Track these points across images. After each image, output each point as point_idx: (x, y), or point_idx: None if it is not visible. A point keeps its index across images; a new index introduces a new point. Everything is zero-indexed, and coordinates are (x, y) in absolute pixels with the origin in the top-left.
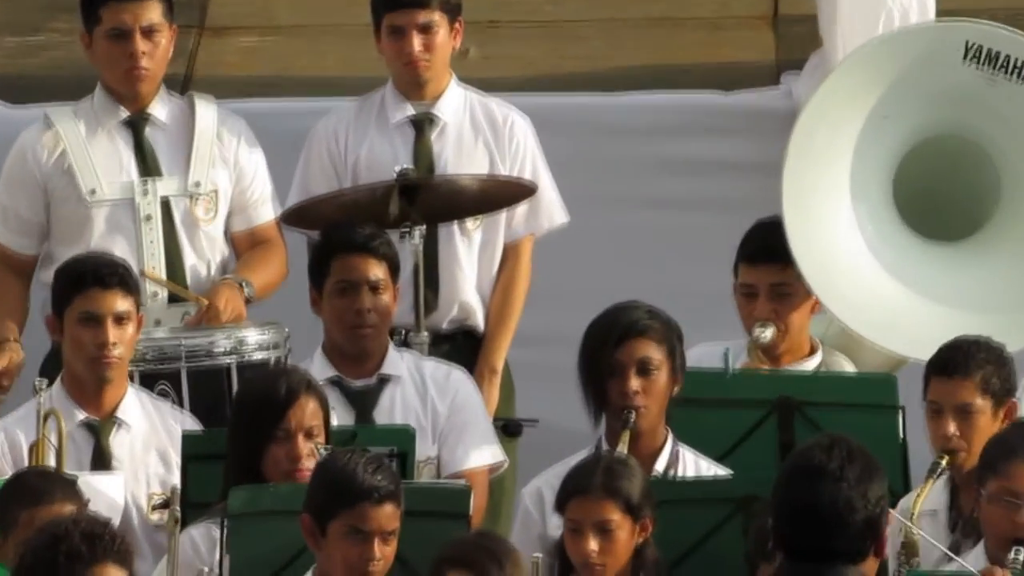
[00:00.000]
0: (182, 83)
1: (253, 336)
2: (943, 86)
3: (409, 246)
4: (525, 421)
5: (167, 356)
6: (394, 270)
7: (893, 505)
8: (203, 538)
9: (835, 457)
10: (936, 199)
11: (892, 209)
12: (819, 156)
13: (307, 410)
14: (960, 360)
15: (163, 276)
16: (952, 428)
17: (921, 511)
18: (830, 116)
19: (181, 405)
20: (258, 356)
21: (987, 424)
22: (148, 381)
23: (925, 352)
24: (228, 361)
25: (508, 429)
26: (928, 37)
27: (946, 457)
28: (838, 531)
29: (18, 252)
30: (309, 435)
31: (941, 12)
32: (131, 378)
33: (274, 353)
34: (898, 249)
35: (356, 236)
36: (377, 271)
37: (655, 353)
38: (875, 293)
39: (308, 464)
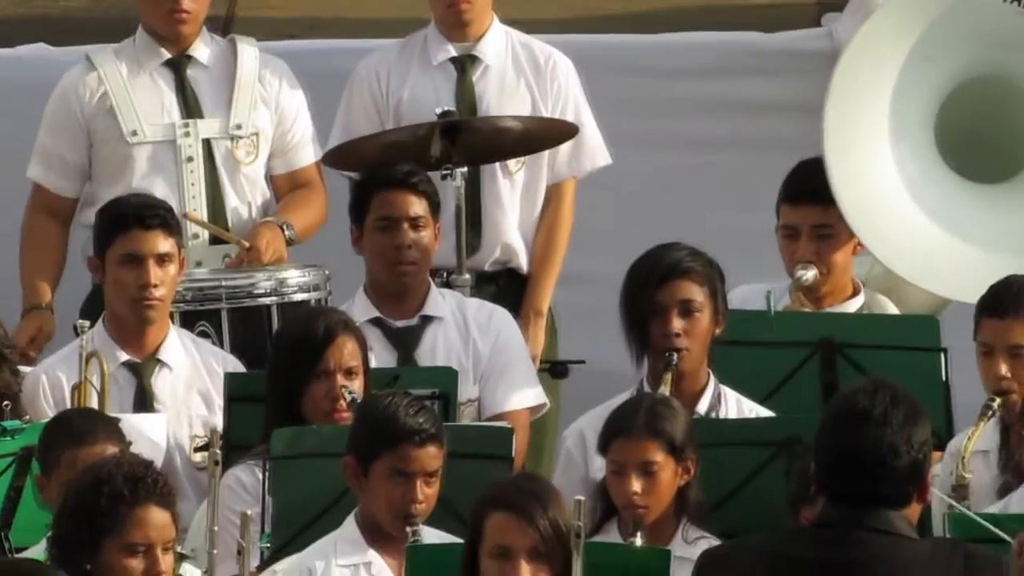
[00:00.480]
0: (223, 24)
1: (294, 277)
2: (985, 27)
3: (451, 187)
4: (572, 362)
5: (207, 296)
6: (434, 207)
7: (937, 448)
8: (247, 478)
9: (879, 402)
10: (978, 140)
11: (934, 150)
12: (861, 96)
13: (346, 349)
14: (1011, 300)
15: (204, 218)
16: (1004, 368)
17: (972, 452)
18: (872, 56)
19: (221, 346)
20: (298, 297)
21: None
22: (188, 321)
23: (968, 294)
24: (268, 302)
25: (555, 370)
26: None
27: (997, 399)
28: (882, 476)
29: (60, 195)
30: (348, 374)
31: None
32: (171, 318)
33: (315, 295)
34: (940, 190)
35: (396, 172)
36: (417, 207)
37: (697, 294)
38: (917, 234)
39: (344, 403)
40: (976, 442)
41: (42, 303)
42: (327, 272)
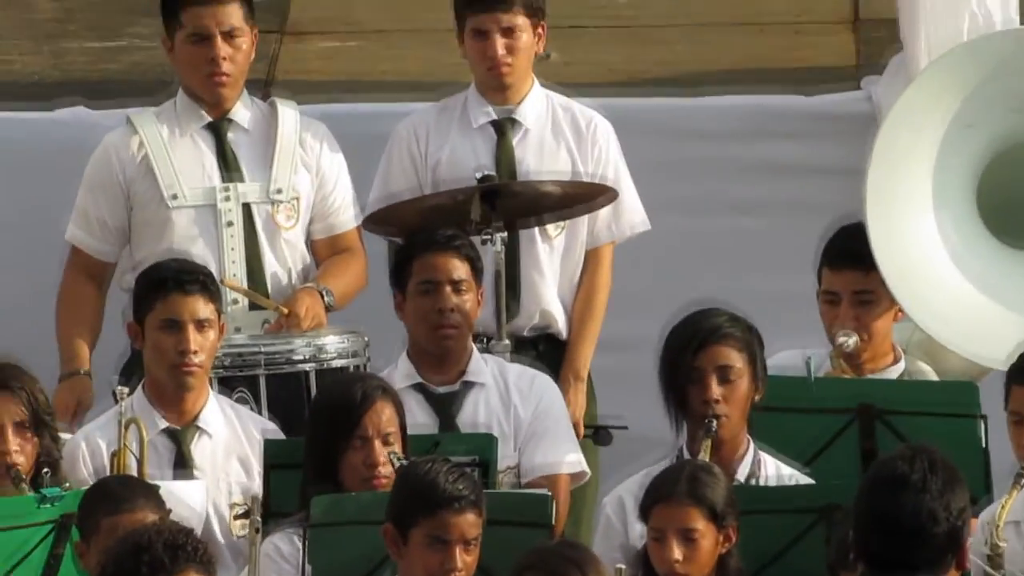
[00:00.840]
0: (263, 86)
1: (332, 343)
2: None
3: (491, 251)
4: (614, 427)
5: (246, 363)
6: (477, 271)
7: (975, 515)
8: (285, 547)
9: (918, 468)
10: (1020, 207)
11: (976, 217)
12: (902, 162)
13: (383, 416)
14: None
15: (243, 283)
16: None
17: (1006, 522)
18: (913, 122)
19: (259, 412)
20: (337, 363)
21: None
22: (227, 387)
23: (1008, 361)
24: (307, 368)
25: (598, 436)
26: (1011, 43)
27: None
28: (920, 542)
29: (99, 258)
30: (386, 441)
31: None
32: (210, 384)
33: (353, 361)
34: (982, 257)
35: (438, 236)
36: (460, 270)
37: (736, 360)
38: (959, 301)
39: (385, 471)
40: (1009, 511)
41: (80, 369)
42: (366, 338)
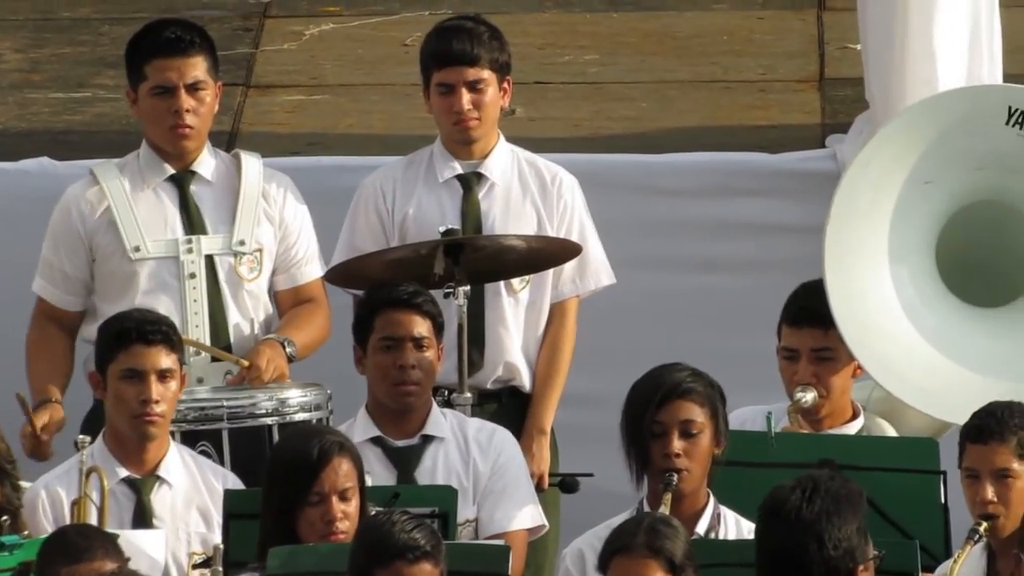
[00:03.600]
0: (228, 140)
1: (295, 397)
2: (985, 150)
3: (454, 306)
4: (580, 475)
5: (209, 416)
6: (438, 328)
7: (931, 569)
8: None
9: (795, 496)
10: (979, 264)
11: (934, 274)
12: (861, 220)
13: (340, 471)
14: (995, 425)
15: (206, 334)
16: (990, 493)
17: None
18: (872, 180)
19: (222, 465)
20: (299, 417)
21: None
22: (189, 441)
23: (965, 418)
24: (270, 422)
25: (564, 484)
26: (970, 100)
27: (984, 523)
28: (796, 570)
29: (64, 308)
30: (343, 497)
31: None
32: (172, 437)
33: (316, 414)
34: (940, 315)
35: (400, 292)
36: (421, 327)
37: (698, 415)
38: (917, 359)
39: (342, 526)
40: (962, 566)
41: (52, 397)
42: (328, 392)
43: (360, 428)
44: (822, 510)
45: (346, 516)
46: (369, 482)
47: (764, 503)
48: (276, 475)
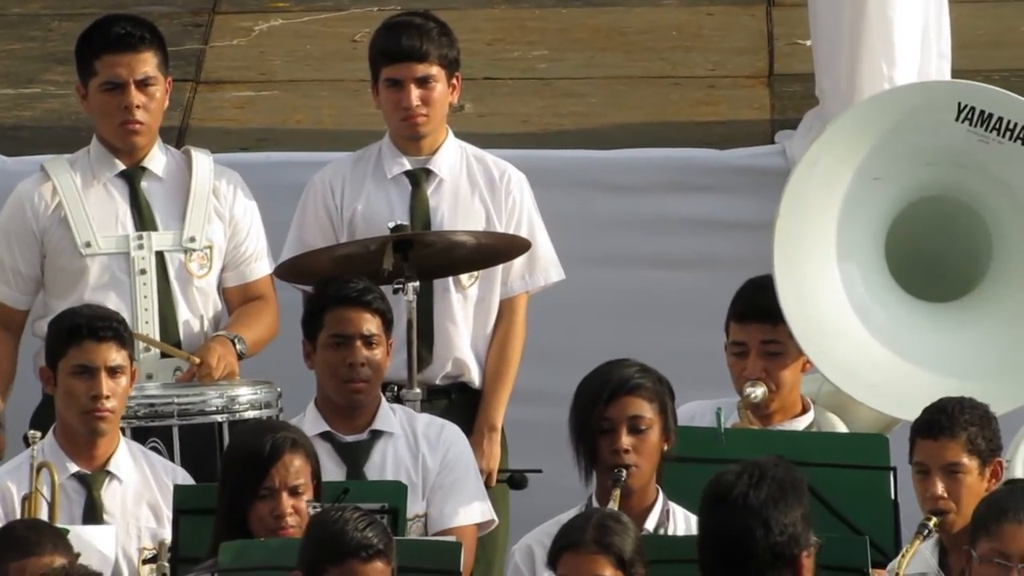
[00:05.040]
0: (177, 135)
1: (245, 395)
2: (935, 146)
3: (403, 301)
4: (529, 471)
5: (159, 413)
6: (387, 324)
7: (882, 565)
8: None
9: (741, 483)
10: (928, 259)
11: (884, 269)
12: (810, 215)
13: (291, 467)
14: (945, 421)
15: (156, 331)
16: (940, 489)
17: (910, 573)
18: (820, 177)
19: (172, 461)
20: (250, 414)
21: (974, 483)
22: (140, 437)
23: (914, 413)
24: (220, 419)
25: (513, 480)
26: (917, 97)
27: (934, 519)
28: (741, 558)
29: (13, 307)
30: (294, 492)
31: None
32: (123, 433)
33: (266, 412)
34: (889, 310)
35: (349, 290)
36: (371, 325)
37: (646, 411)
38: (865, 354)
39: (292, 521)
40: (910, 561)
41: None
42: (279, 389)
43: (309, 423)
44: (769, 496)
45: (296, 511)
46: None
47: (708, 489)
48: (229, 469)
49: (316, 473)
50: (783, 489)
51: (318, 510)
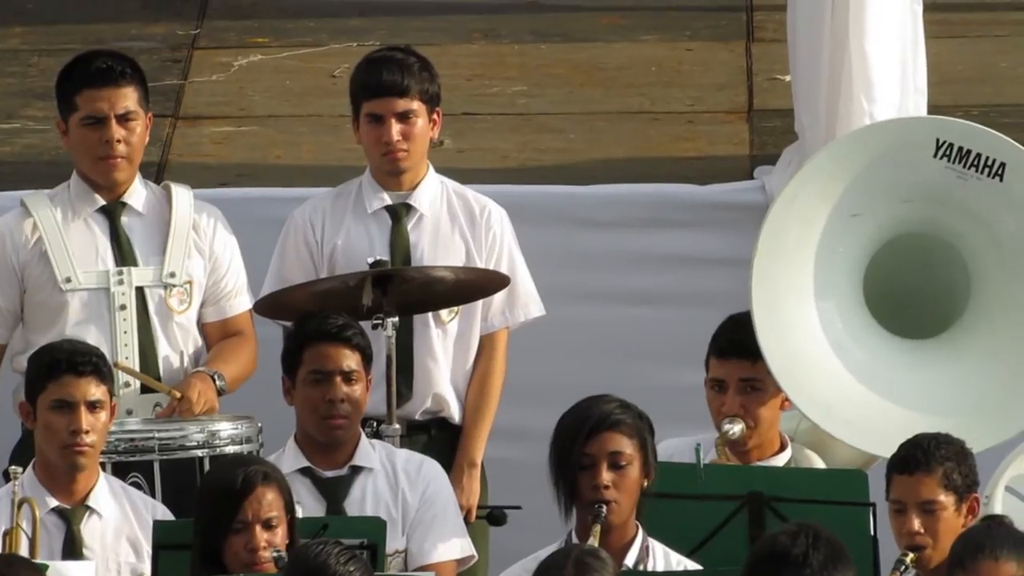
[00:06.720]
0: (156, 171)
1: (226, 429)
2: (913, 182)
3: (382, 336)
4: (508, 507)
5: (139, 448)
6: (367, 360)
7: None
8: None
9: (800, 543)
10: (906, 296)
11: (862, 306)
12: (788, 252)
13: (264, 500)
14: (921, 457)
15: (136, 366)
16: (917, 524)
17: None
18: (798, 213)
19: (153, 496)
20: (230, 449)
21: (951, 519)
22: (120, 472)
23: (893, 450)
24: (200, 454)
25: (492, 517)
26: (898, 132)
27: (911, 554)
28: None
29: None
30: (267, 526)
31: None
32: (103, 468)
33: (246, 447)
34: (867, 347)
35: (329, 326)
36: (350, 361)
37: (626, 447)
38: (842, 390)
39: (266, 555)
40: None
41: None
42: (259, 424)
43: (289, 459)
44: (828, 557)
45: (270, 545)
46: (299, 513)
47: (761, 550)
48: (203, 503)
49: (289, 507)
50: (839, 551)
51: (280, 555)
